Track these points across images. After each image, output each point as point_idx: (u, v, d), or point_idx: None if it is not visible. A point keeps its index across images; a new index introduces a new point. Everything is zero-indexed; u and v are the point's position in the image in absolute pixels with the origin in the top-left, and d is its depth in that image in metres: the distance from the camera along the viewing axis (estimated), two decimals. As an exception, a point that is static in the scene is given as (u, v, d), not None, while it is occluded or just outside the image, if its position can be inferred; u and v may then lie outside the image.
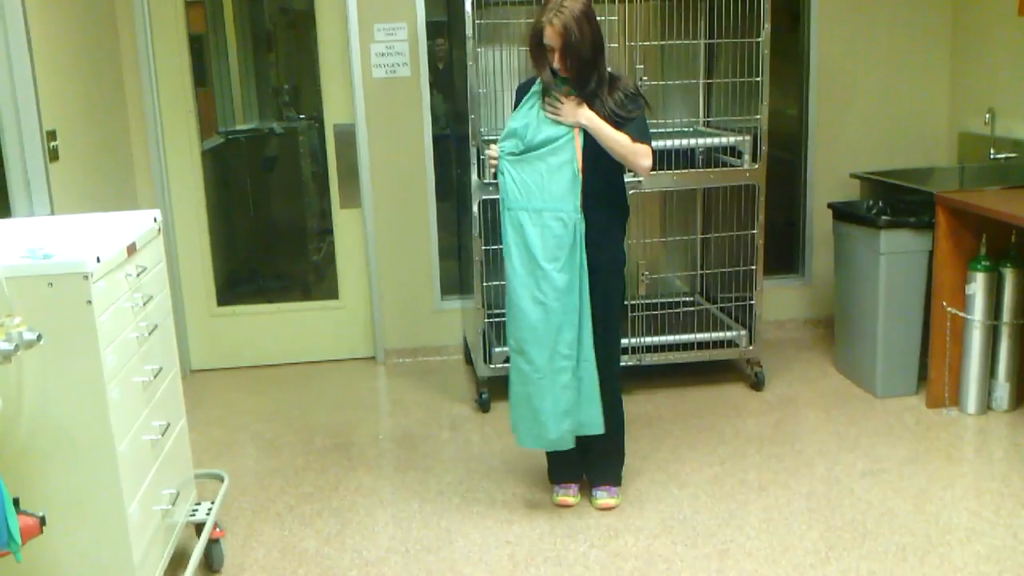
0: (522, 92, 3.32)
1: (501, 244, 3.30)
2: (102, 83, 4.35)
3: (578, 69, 3.12)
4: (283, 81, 5.33)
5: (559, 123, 3.16)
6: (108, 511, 2.48)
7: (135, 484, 2.59)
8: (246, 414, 4.53)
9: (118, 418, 2.49)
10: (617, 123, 3.14)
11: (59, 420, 2.40)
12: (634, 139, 3.14)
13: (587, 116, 3.13)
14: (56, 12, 3.80)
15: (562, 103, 3.15)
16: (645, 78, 4.27)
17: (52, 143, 3.61)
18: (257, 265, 5.44)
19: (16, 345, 2.12)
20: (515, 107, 3.34)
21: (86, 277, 2.35)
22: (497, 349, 4.37)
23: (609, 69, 3.26)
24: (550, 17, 3.06)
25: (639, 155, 3.15)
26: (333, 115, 4.97)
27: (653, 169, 4.16)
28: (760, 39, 4.22)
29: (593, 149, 3.16)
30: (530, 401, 3.26)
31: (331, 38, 4.87)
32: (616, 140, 3.12)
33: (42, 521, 2.20)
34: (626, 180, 4.08)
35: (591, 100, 3.15)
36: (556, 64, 3.12)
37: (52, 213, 3.58)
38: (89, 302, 2.36)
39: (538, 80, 3.23)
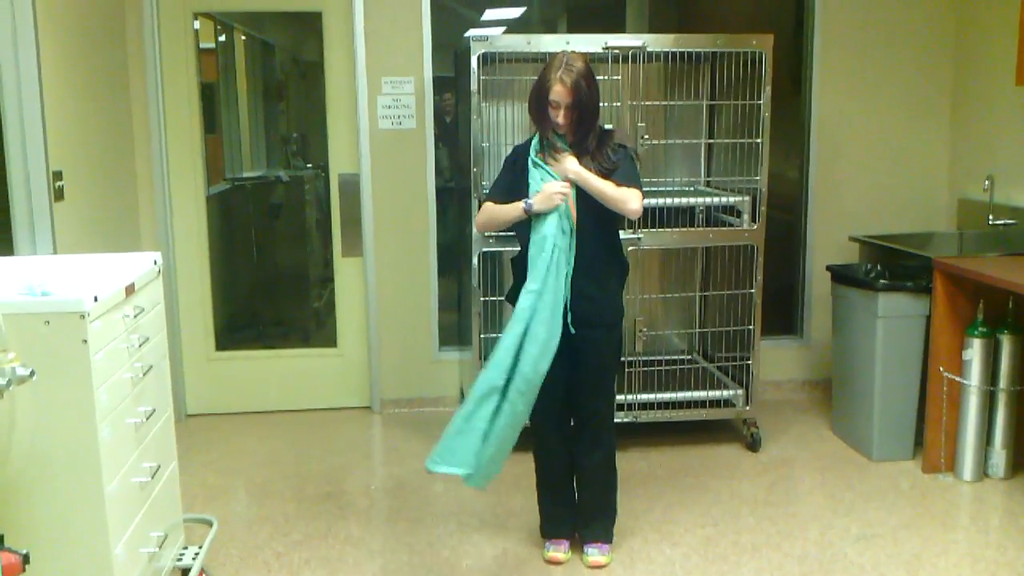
0: (520, 152, 3.35)
1: (521, 281, 3.23)
2: (111, 126, 4.41)
3: (581, 125, 3.18)
4: (292, 130, 5.40)
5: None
6: (93, 551, 2.46)
7: (122, 525, 2.58)
8: (240, 460, 4.51)
9: (108, 458, 2.48)
10: (605, 174, 3.18)
11: (49, 457, 2.40)
12: (619, 184, 3.17)
13: (574, 170, 3.17)
14: (68, 53, 3.87)
15: (556, 160, 3.20)
16: (647, 136, 4.32)
17: (58, 183, 3.65)
18: (257, 311, 5.46)
19: (8, 380, 2.13)
20: (506, 166, 3.39)
21: (83, 316, 2.37)
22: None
23: (610, 126, 3.32)
24: (560, 75, 3.11)
25: (627, 200, 3.17)
26: (338, 165, 5.02)
27: (654, 226, 4.23)
28: (761, 101, 4.28)
29: (587, 203, 3.19)
30: (508, 444, 3.18)
31: (339, 89, 4.95)
32: (601, 188, 3.16)
33: (25, 559, 2.19)
34: (625, 237, 4.16)
35: (582, 156, 3.20)
36: (560, 119, 3.17)
37: (55, 252, 3.60)
38: (85, 341, 2.38)
39: (534, 141, 3.28)
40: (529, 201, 3.21)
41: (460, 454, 3.15)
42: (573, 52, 3.24)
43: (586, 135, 3.20)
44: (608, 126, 3.36)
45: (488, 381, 3.12)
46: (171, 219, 4.91)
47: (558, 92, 3.12)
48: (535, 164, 3.24)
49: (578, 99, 3.12)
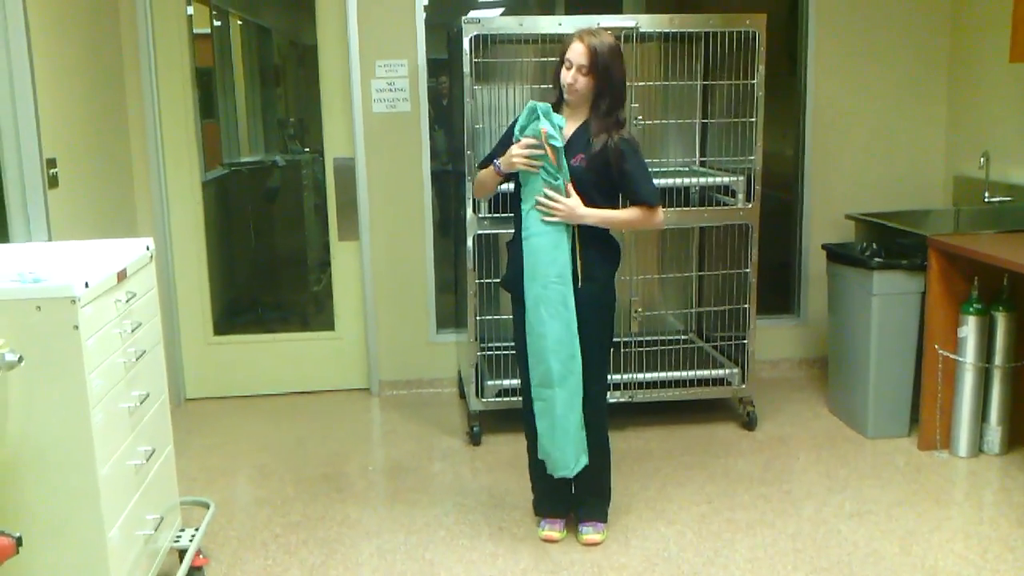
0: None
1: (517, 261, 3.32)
2: (105, 113, 4.42)
3: (604, 93, 3.14)
4: (288, 114, 5.40)
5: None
6: (88, 534, 2.49)
7: (117, 508, 2.61)
8: (239, 443, 4.54)
9: (102, 442, 2.51)
10: (599, 162, 3.18)
11: (42, 442, 2.42)
12: (649, 205, 3.24)
13: (589, 212, 3.18)
14: (60, 39, 3.87)
15: (558, 202, 3.15)
16: (640, 117, 4.32)
17: (52, 170, 3.66)
18: (255, 295, 5.48)
19: (-3, 366, 2.15)
20: (503, 136, 3.39)
21: (74, 302, 2.39)
22: (490, 382, 4.38)
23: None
24: (582, 33, 3.11)
25: (652, 220, 3.28)
26: (334, 148, 5.02)
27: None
28: (755, 81, 4.27)
29: (579, 185, 3.19)
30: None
31: (333, 73, 4.94)
32: (627, 221, 3.26)
33: (18, 542, 2.21)
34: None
35: (593, 126, 3.19)
36: (570, 79, 3.13)
37: (50, 240, 3.62)
38: (76, 327, 2.40)
39: (520, 118, 3.22)
40: (497, 162, 3.25)
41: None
42: (605, 29, 3.21)
43: (610, 110, 3.16)
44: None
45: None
46: (167, 205, 4.92)
47: (574, 50, 3.10)
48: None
49: (594, 63, 3.08)
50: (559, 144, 3.13)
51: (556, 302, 3.20)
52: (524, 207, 3.24)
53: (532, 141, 3.13)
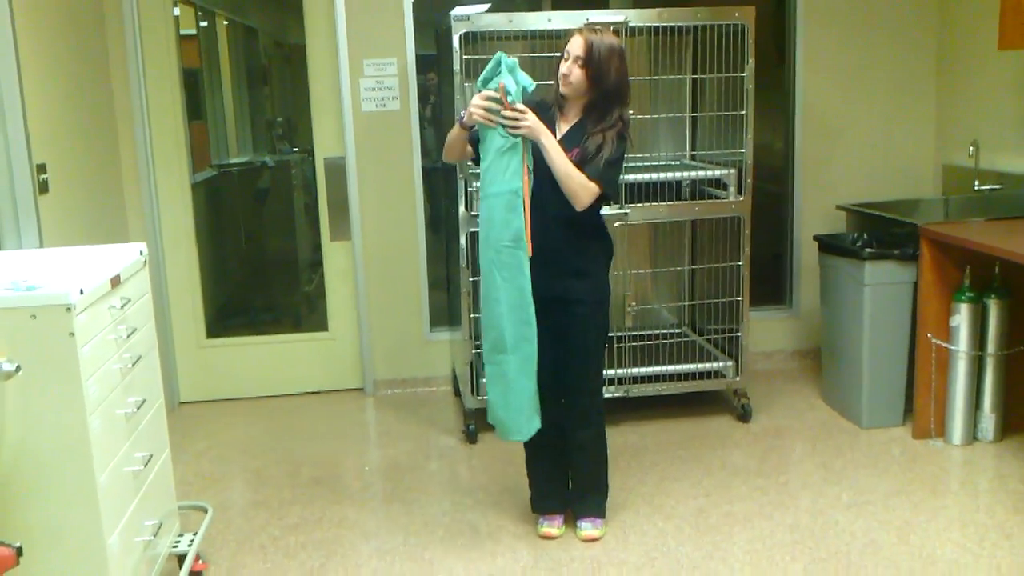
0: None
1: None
2: (93, 117, 4.40)
3: (599, 88, 3.13)
4: (277, 114, 5.38)
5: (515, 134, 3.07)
6: (87, 542, 2.48)
7: (116, 515, 2.60)
8: (234, 446, 4.53)
9: (99, 449, 2.50)
10: (592, 154, 3.14)
11: (40, 450, 2.42)
12: (591, 178, 3.10)
13: (548, 135, 3.08)
14: (47, 44, 3.85)
15: (524, 115, 3.05)
16: (631, 111, 4.31)
17: (42, 176, 3.64)
18: (247, 297, 5.46)
19: (-5, 376, 2.14)
20: None
21: (69, 309, 2.38)
22: (484, 381, 4.37)
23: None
24: (583, 29, 3.12)
25: (583, 192, 3.11)
26: (324, 148, 5.01)
27: (641, 201, 4.23)
28: (744, 74, 4.28)
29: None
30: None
31: (322, 72, 4.93)
32: (570, 170, 3.08)
33: (19, 552, 2.20)
34: (612, 211, 4.17)
35: (588, 119, 3.17)
36: (565, 70, 3.12)
37: (41, 246, 3.60)
38: (72, 334, 2.39)
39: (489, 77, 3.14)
40: (462, 113, 3.18)
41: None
42: (608, 28, 3.19)
43: (606, 112, 3.14)
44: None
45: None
46: (158, 208, 4.90)
47: (573, 42, 3.10)
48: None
49: (589, 56, 3.07)
50: (516, 101, 3.07)
51: (511, 267, 3.12)
52: (483, 165, 3.17)
53: (491, 94, 3.07)
